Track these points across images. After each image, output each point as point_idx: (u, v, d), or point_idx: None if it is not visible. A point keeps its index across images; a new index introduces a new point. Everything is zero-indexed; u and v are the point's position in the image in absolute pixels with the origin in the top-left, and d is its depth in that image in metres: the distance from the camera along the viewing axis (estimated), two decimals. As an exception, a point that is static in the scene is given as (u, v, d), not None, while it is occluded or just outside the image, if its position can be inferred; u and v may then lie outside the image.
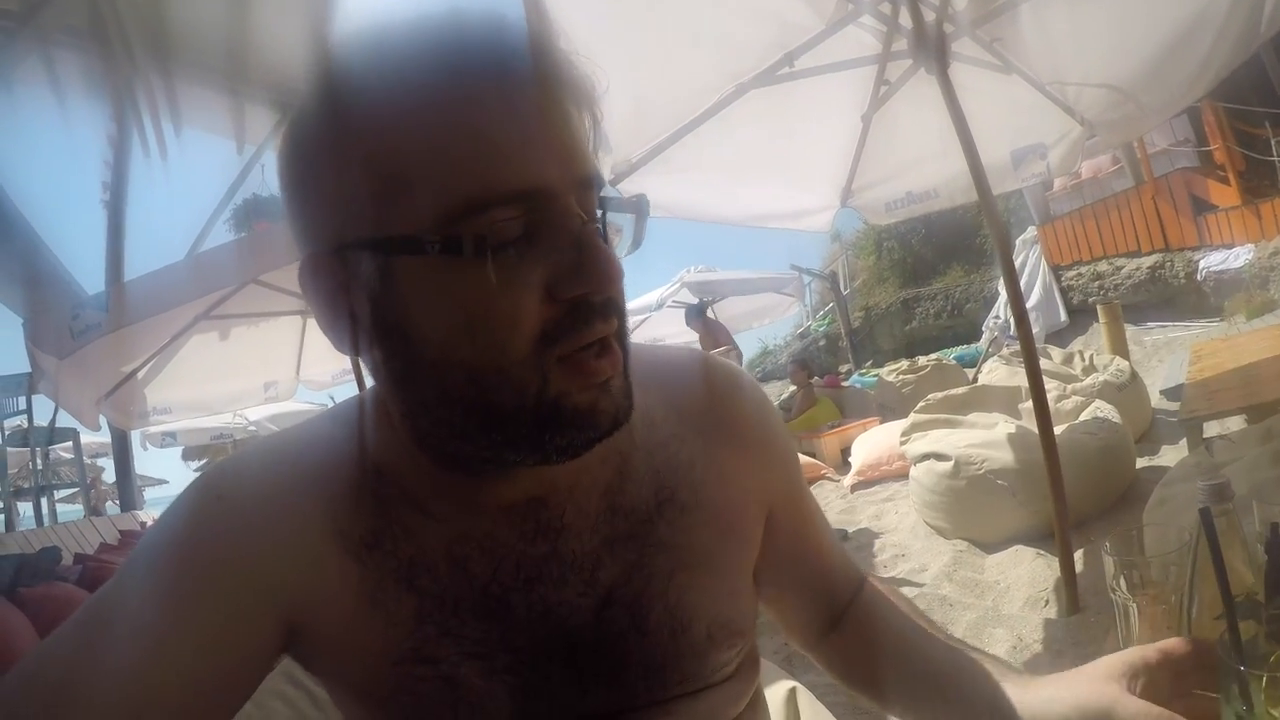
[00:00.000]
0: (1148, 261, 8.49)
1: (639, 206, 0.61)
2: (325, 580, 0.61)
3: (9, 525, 7.23)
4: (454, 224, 0.51)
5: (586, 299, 0.53)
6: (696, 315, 7.88)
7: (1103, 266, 8.99)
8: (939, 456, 3.80)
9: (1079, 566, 2.83)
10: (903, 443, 4.28)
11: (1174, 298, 8.33)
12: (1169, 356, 6.86)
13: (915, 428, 4.28)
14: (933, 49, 2.55)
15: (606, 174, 2.93)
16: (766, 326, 12.52)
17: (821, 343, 14.67)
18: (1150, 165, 8.38)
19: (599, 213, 0.57)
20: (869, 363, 11.85)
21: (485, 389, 0.54)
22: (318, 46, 0.56)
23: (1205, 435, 2.83)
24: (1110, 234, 8.87)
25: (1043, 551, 3.23)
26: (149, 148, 6.21)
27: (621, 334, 0.58)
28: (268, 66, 6.26)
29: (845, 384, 8.84)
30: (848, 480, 5.49)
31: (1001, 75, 3.05)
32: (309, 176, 0.56)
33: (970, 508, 3.62)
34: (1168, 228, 8.27)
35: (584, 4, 2.36)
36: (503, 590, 0.62)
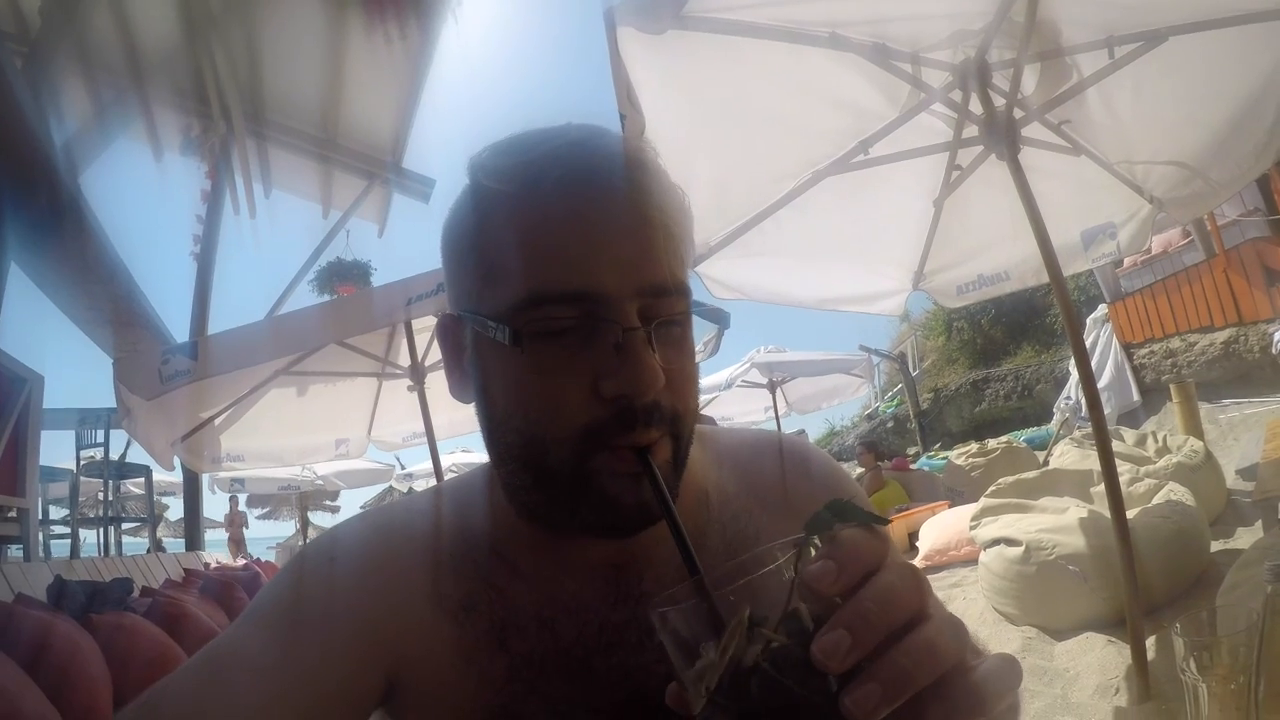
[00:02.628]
0: (1221, 336, 8.20)
1: (720, 318, 0.68)
2: (424, 640, 0.66)
3: (73, 552, 7.48)
4: (517, 314, 0.59)
5: (629, 401, 0.57)
6: None
7: (1175, 343, 8.72)
8: (1009, 541, 3.71)
9: (1151, 653, 2.71)
10: (972, 527, 4.19)
11: (1249, 373, 7.99)
12: (1245, 434, 6.58)
13: (985, 512, 4.19)
14: (1003, 135, 2.58)
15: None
16: (835, 407, 12.44)
17: (890, 424, 14.50)
18: (1221, 237, 8.14)
19: (676, 317, 0.62)
20: (938, 445, 11.64)
21: (533, 453, 0.61)
22: (471, 160, 0.66)
23: (1281, 515, 2.73)
24: (1182, 309, 8.61)
25: (1114, 639, 3.11)
26: (239, 206, 6.59)
27: (677, 441, 0.62)
28: (356, 136, 6.63)
29: (913, 467, 8.68)
30: (915, 566, 5.37)
31: (1070, 157, 3.06)
32: (449, 254, 0.67)
33: (1040, 594, 3.52)
34: (1240, 301, 7.99)
35: (673, 93, 2.47)
36: (586, 652, 0.66)
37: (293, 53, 5.53)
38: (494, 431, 0.64)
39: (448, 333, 0.69)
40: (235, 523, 11.96)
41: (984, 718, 0.40)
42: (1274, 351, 7.50)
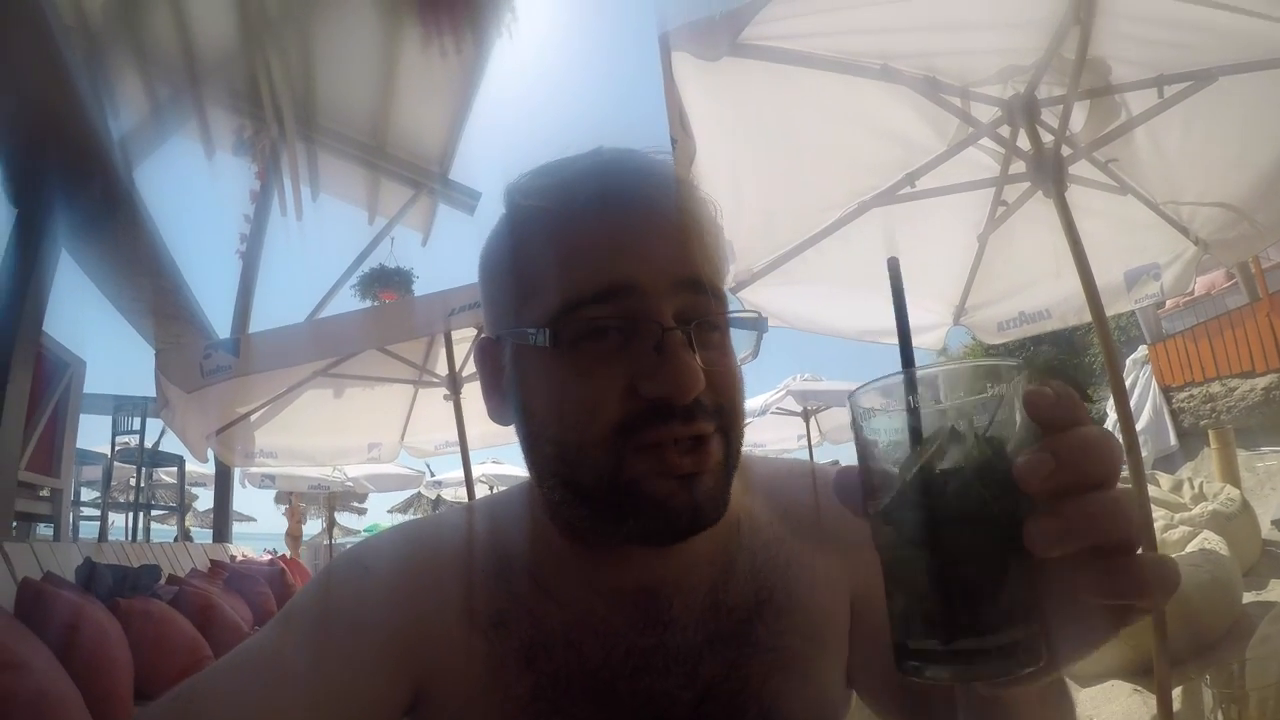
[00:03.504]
0: (1262, 383, 8.01)
1: (759, 325, 0.68)
2: (453, 653, 0.67)
3: (102, 535, 7.63)
4: (555, 321, 0.60)
5: (668, 402, 0.58)
6: None
7: (1215, 388, 8.54)
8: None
9: (1176, 704, 2.66)
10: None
11: (1289, 421, 7.82)
12: (1284, 483, 6.47)
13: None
14: (1050, 172, 2.56)
15: (730, 282, 3.02)
16: None
17: None
18: (1265, 281, 8.00)
19: (715, 319, 0.63)
20: (974, 483, 11.45)
21: (570, 465, 0.61)
22: (506, 186, 0.69)
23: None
24: (1224, 353, 8.43)
25: (1140, 688, 3.05)
26: (287, 208, 6.72)
27: (726, 437, 0.63)
28: (405, 146, 6.75)
29: (949, 505, 8.56)
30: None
31: (1117, 195, 3.03)
32: (487, 277, 0.70)
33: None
34: (1284, 346, 7.83)
35: (725, 119, 2.49)
36: (612, 676, 0.67)
37: (347, 60, 5.65)
38: (533, 447, 0.65)
39: (485, 355, 0.70)
40: (295, 518, 11.82)
41: (1141, 602, 0.40)
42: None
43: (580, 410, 0.60)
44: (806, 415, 8.61)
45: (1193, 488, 5.10)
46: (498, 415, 0.70)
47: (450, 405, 4.33)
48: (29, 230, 4.20)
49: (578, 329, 0.60)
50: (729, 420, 0.62)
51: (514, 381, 0.66)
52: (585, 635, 0.67)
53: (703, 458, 0.60)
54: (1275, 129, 2.76)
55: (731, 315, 0.65)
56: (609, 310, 0.59)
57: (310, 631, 0.66)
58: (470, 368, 4.54)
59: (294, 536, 11.79)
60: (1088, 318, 2.75)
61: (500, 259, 0.67)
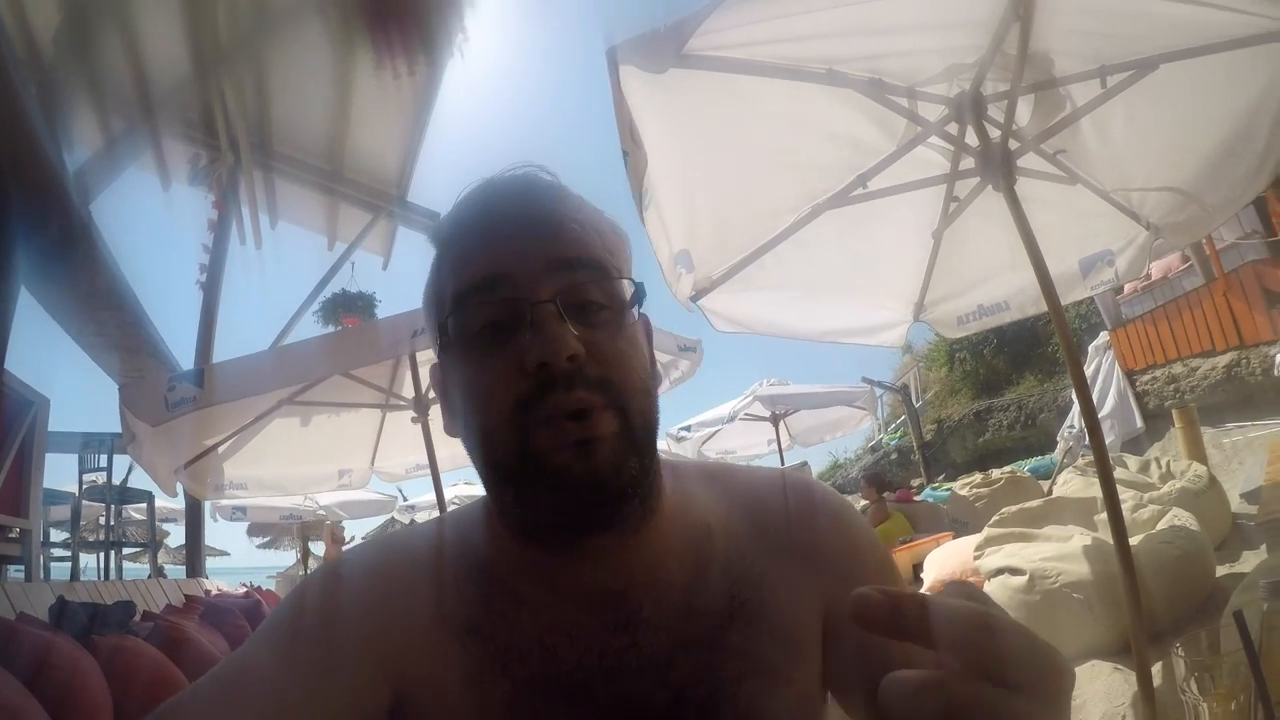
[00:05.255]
0: (1223, 360, 8.19)
1: (636, 292, 0.71)
2: (430, 659, 0.68)
3: (74, 575, 7.46)
4: (450, 319, 0.67)
5: (549, 369, 0.61)
6: None
7: (1178, 368, 8.72)
8: (1013, 571, 3.69)
9: (1157, 680, 2.70)
10: (976, 557, 4.17)
11: (1252, 396, 7.96)
12: (1249, 458, 6.55)
13: (989, 542, 4.17)
14: (999, 166, 2.60)
15: (688, 290, 3.03)
16: (838, 440, 12.41)
17: (893, 456, 14.41)
18: (1220, 261, 8.18)
19: (590, 291, 0.66)
20: (942, 476, 11.53)
21: (489, 449, 0.65)
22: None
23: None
24: (1184, 334, 8.62)
25: (1120, 666, 3.08)
26: (245, 236, 6.66)
27: (623, 412, 0.64)
28: (362, 169, 6.72)
29: (917, 498, 8.60)
30: (920, 597, 5.32)
31: (1066, 186, 3.09)
32: (423, 305, 0.76)
33: (1045, 622, 3.49)
34: (1241, 324, 7.99)
35: (675, 130, 2.51)
36: (586, 678, 0.67)
37: (301, 86, 5.63)
38: (466, 443, 0.69)
39: (433, 376, 0.77)
40: (337, 540, 11.16)
41: None
42: (1276, 374, 7.49)
43: (485, 394, 0.65)
44: (775, 419, 8.69)
45: (1160, 467, 5.18)
46: (449, 429, 0.74)
47: (418, 427, 4.31)
48: (-14, 268, 4.11)
49: (467, 322, 0.66)
50: (619, 394, 0.64)
51: (448, 390, 0.72)
52: (559, 638, 0.68)
53: (590, 425, 0.62)
54: (1218, 112, 2.84)
55: (602, 284, 0.68)
56: (488, 298, 0.65)
57: (284, 642, 0.67)
58: (439, 387, 4.54)
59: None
60: (1045, 308, 2.80)
61: (426, 286, 0.75)
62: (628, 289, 0.70)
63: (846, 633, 0.76)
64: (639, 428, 0.65)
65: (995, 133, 2.67)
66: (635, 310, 0.70)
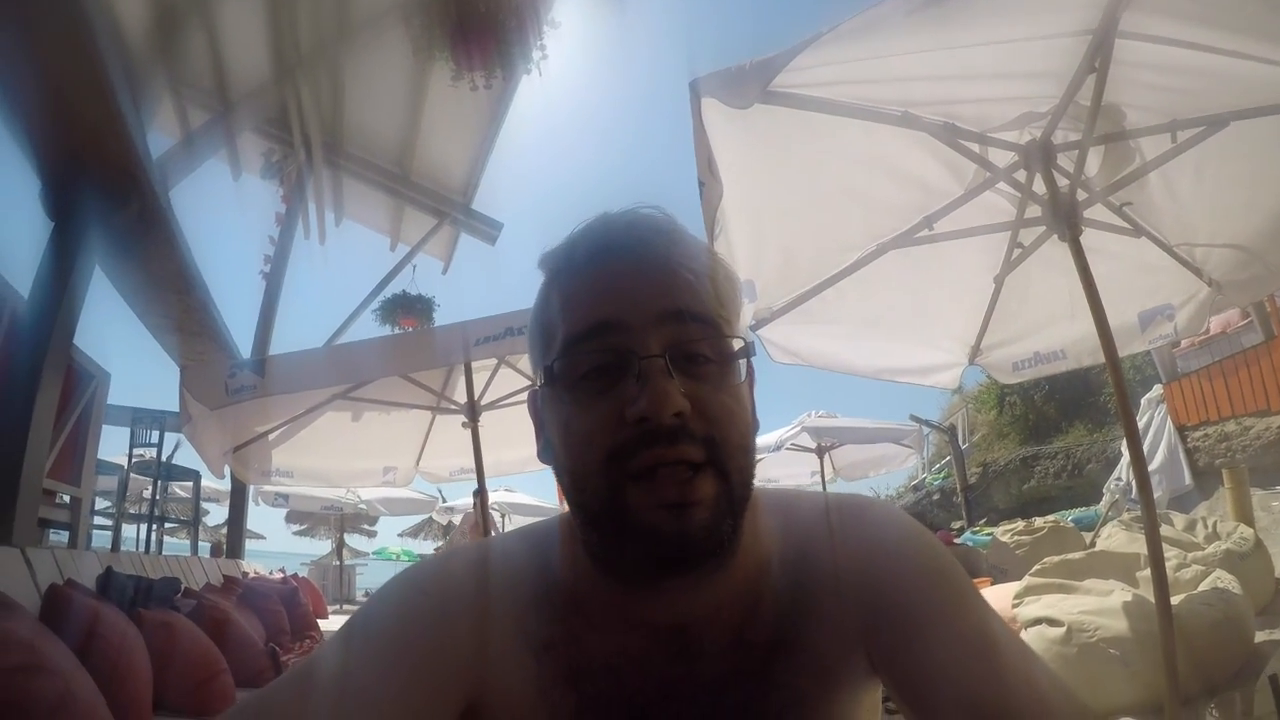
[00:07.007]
0: (1277, 421, 7.94)
1: (745, 351, 0.72)
2: (505, 671, 0.72)
3: (114, 545, 7.67)
4: (557, 361, 0.69)
5: (651, 424, 0.62)
6: None
7: (1230, 426, 8.48)
8: (1051, 622, 3.63)
9: (1188, 742, 2.65)
10: (1015, 605, 4.11)
11: (1305, 459, 7.76)
12: (1298, 522, 6.40)
13: (1029, 591, 4.10)
14: (1065, 216, 2.61)
15: (748, 320, 3.07)
16: (881, 476, 12.27)
17: (936, 496, 14.12)
18: (1281, 319, 7.99)
19: (700, 346, 0.67)
20: (983, 520, 11.29)
21: (580, 492, 0.67)
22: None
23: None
24: (1239, 392, 8.38)
25: (1153, 725, 3.03)
26: (310, 231, 6.84)
27: (723, 471, 0.65)
28: (430, 175, 6.88)
29: (957, 541, 8.45)
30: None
31: (1131, 238, 3.07)
32: (528, 335, 0.79)
33: (1079, 676, 3.43)
34: (1298, 385, 7.79)
35: (751, 164, 2.56)
36: (646, 701, 0.72)
37: (376, 91, 5.79)
38: (559, 479, 0.72)
39: (531, 403, 0.79)
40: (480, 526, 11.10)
41: None
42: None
43: (581, 441, 0.66)
44: (820, 451, 8.64)
45: (1206, 527, 5.05)
46: (541, 455, 0.77)
47: (466, 432, 4.38)
48: (65, 243, 4.29)
49: (573, 366, 0.67)
50: (721, 452, 0.64)
51: (544, 422, 0.74)
52: (625, 663, 0.72)
53: (691, 489, 0.63)
54: (1283, 169, 2.81)
55: (712, 339, 0.68)
56: (596, 345, 0.66)
57: (371, 648, 0.70)
58: (489, 396, 4.63)
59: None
60: (1102, 359, 2.78)
61: (532, 318, 0.76)
62: (737, 344, 0.71)
63: (901, 657, 0.72)
64: (737, 486, 0.66)
65: (1064, 182, 2.67)
66: (743, 365, 0.71)
